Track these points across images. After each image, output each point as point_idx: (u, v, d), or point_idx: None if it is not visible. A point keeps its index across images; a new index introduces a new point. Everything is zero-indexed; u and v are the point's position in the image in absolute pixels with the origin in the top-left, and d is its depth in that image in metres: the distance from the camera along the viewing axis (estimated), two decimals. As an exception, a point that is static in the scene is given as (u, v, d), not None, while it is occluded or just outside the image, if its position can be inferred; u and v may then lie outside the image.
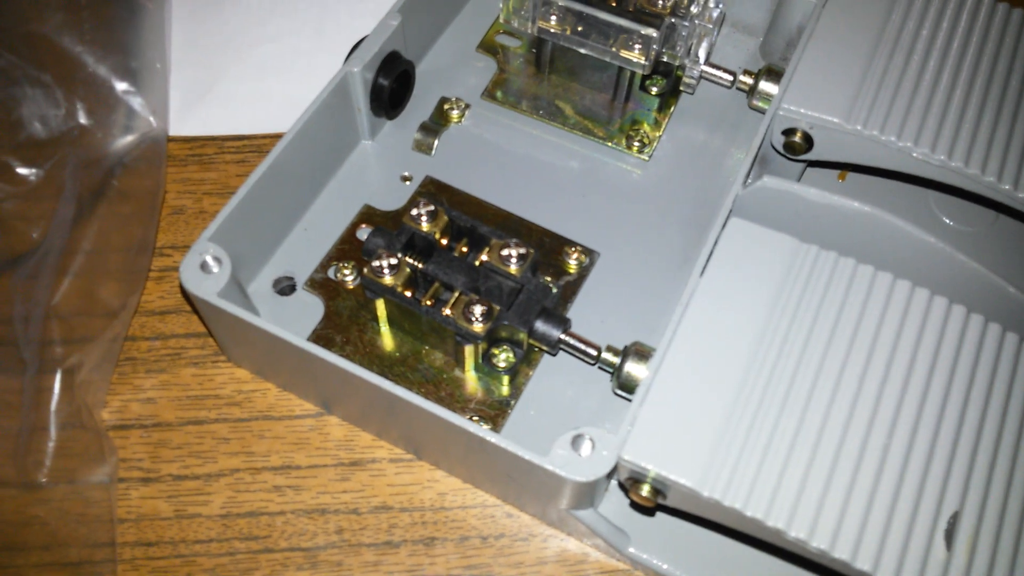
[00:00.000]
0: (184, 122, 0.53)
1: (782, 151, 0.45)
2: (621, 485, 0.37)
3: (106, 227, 0.44)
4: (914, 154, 0.42)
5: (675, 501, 0.35)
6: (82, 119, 0.45)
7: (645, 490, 0.35)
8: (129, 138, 0.46)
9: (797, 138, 0.44)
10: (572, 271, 0.46)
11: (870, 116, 0.43)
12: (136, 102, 0.46)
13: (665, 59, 0.49)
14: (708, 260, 0.40)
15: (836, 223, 0.42)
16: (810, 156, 0.45)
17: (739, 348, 0.37)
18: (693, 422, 0.35)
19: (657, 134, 0.51)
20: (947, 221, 0.49)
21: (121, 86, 0.46)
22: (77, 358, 0.42)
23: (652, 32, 0.46)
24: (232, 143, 0.53)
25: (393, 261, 0.41)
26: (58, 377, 0.42)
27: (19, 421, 0.41)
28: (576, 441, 0.36)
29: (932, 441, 0.35)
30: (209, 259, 0.40)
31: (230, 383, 0.45)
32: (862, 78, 0.44)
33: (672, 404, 0.36)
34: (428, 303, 0.41)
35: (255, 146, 0.53)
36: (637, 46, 0.47)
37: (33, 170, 0.44)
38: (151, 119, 0.46)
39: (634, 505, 0.40)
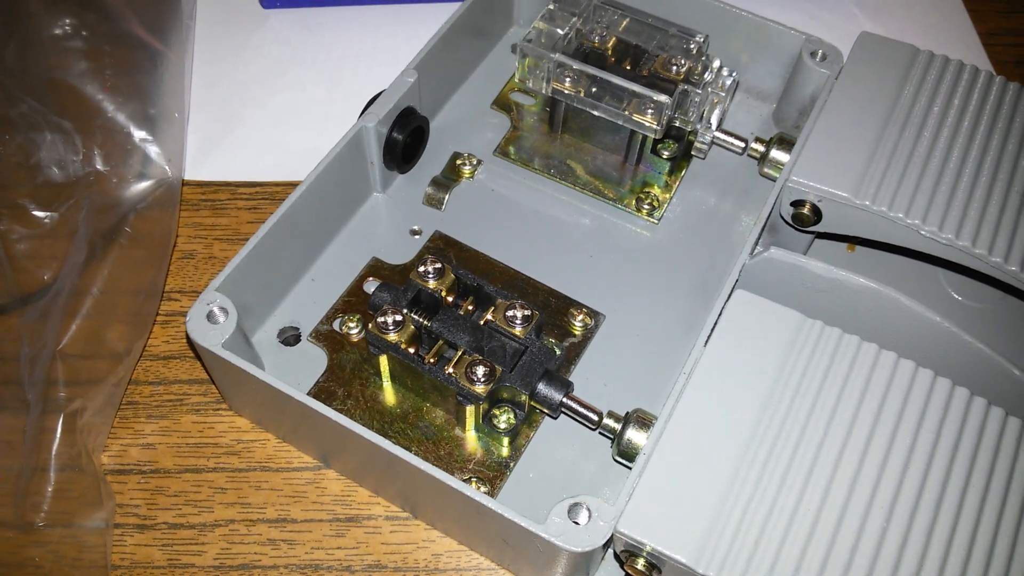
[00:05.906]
0: (199, 167, 0.54)
1: (791, 222, 0.45)
2: (617, 557, 0.36)
3: (116, 271, 0.45)
4: (922, 232, 0.42)
5: (671, 576, 0.35)
6: (99, 165, 0.45)
7: (640, 564, 0.35)
8: (144, 184, 0.46)
9: (806, 210, 0.44)
10: (577, 333, 0.46)
11: (879, 192, 0.43)
12: (152, 150, 0.46)
13: (677, 124, 0.49)
14: (712, 330, 0.40)
15: (843, 298, 0.42)
16: (819, 228, 0.45)
17: (740, 422, 0.37)
18: (691, 496, 0.35)
19: (667, 197, 0.51)
20: (956, 296, 0.49)
21: (139, 134, 0.47)
22: (80, 401, 0.42)
23: (664, 99, 0.47)
24: (245, 189, 0.53)
25: (398, 317, 0.41)
26: (60, 419, 0.42)
27: (20, 461, 0.41)
28: (573, 510, 0.35)
29: (930, 525, 0.34)
30: (216, 309, 0.40)
31: (230, 432, 0.45)
32: (872, 153, 0.44)
33: (671, 476, 0.36)
34: (431, 361, 0.42)
35: (268, 193, 0.53)
36: (650, 111, 0.47)
37: (48, 213, 0.44)
38: (166, 167, 0.47)
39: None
